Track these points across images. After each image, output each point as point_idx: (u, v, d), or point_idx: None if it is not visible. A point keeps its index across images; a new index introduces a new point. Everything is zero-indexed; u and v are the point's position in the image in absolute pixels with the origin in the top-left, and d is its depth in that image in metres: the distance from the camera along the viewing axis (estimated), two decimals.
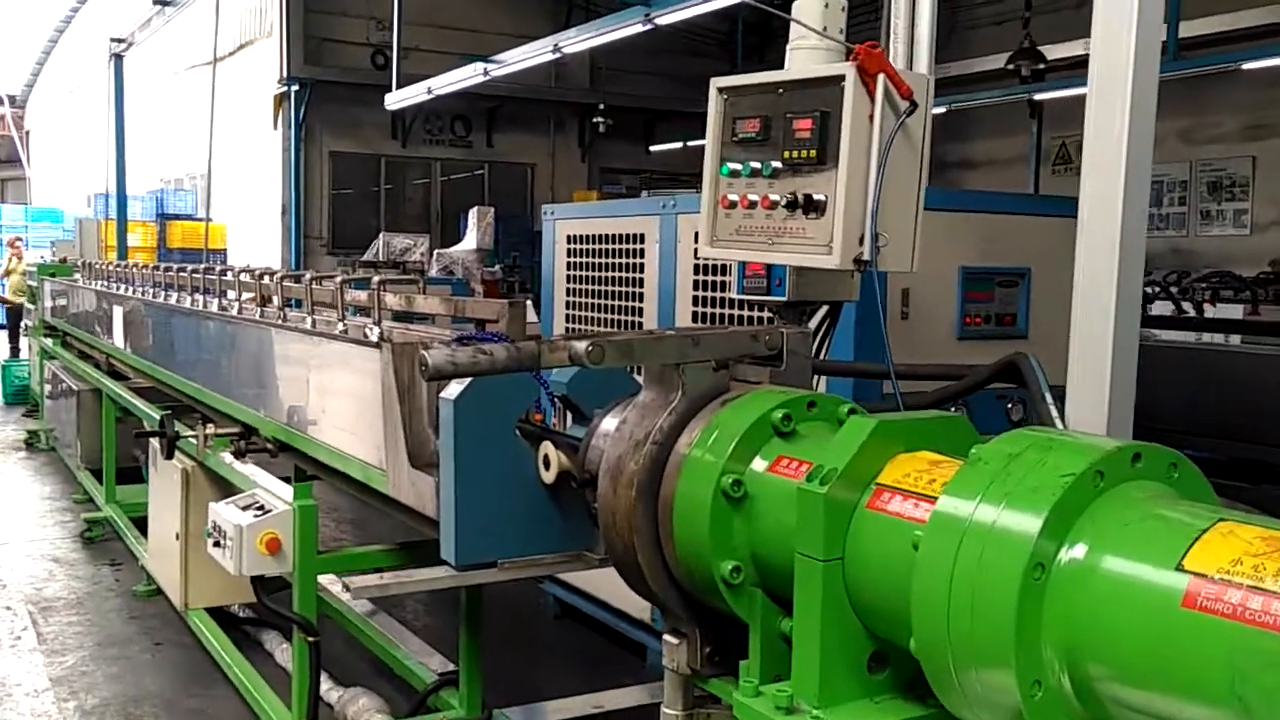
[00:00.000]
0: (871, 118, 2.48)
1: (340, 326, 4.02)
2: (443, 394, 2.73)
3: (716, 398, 2.05)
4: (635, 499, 1.99)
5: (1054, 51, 12.72)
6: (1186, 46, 11.67)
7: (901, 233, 2.57)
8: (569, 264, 5.56)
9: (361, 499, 3.82)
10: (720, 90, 2.83)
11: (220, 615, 5.18)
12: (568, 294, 5.56)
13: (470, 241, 11.16)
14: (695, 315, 4.62)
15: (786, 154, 2.63)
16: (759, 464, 1.89)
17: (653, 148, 20.78)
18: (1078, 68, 14.10)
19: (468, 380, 2.70)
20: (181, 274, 6.35)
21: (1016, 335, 4.21)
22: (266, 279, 5.09)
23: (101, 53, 16.40)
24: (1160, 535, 1.32)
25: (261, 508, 3.63)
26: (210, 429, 4.68)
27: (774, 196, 2.67)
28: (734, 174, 2.78)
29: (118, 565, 6.63)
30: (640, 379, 2.35)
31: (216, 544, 3.67)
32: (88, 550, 7.00)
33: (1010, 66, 13.14)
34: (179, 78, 21.51)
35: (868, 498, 1.67)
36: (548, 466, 2.71)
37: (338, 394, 3.78)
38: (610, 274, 5.23)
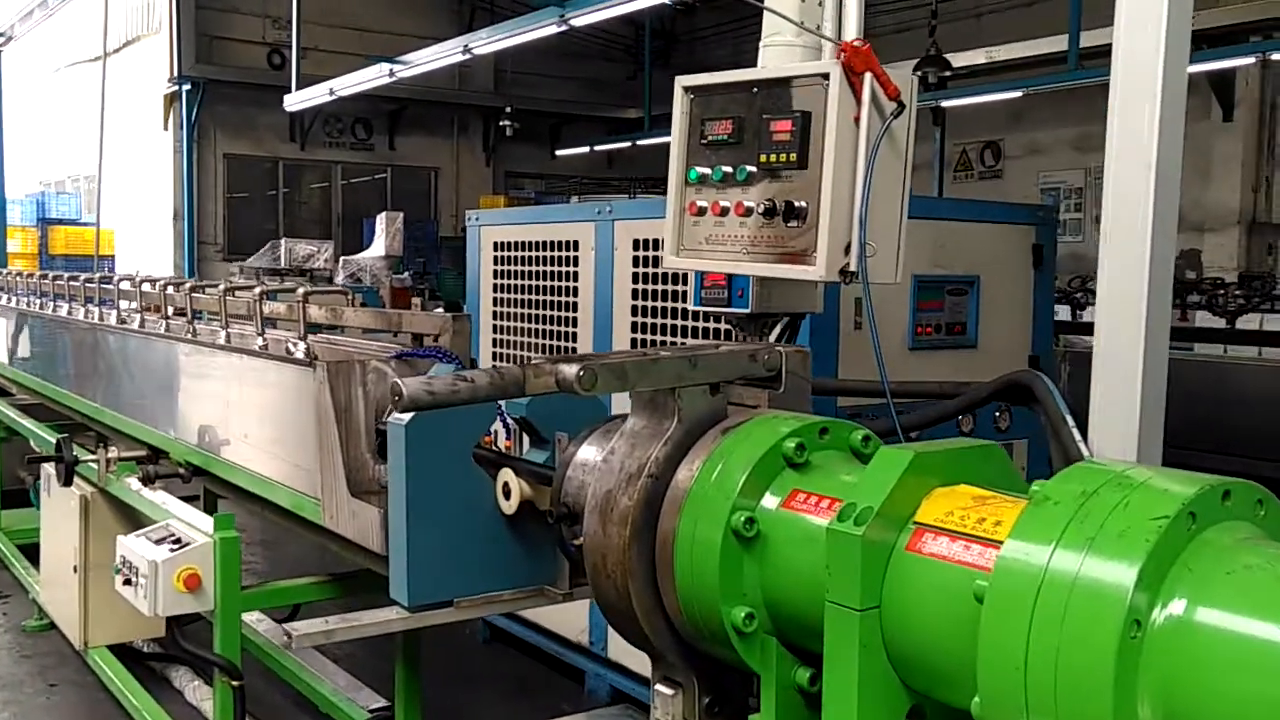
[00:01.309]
0: (858, 120, 2.33)
1: (259, 341, 3.74)
2: (392, 417, 2.49)
3: (715, 424, 1.87)
4: (629, 539, 1.80)
5: (959, 59, 12.90)
6: (1085, 56, 11.93)
7: (886, 242, 2.43)
8: (495, 272, 5.33)
9: (285, 526, 3.54)
10: (686, 89, 2.66)
11: (122, 651, 4.81)
12: (494, 304, 5.32)
13: (378, 248, 10.79)
14: (635, 325, 4.45)
15: (763, 157, 2.47)
16: (770, 499, 1.71)
17: (559, 152, 20.54)
18: (979, 75, 14.36)
19: None
20: (74, 283, 5.93)
21: (966, 344, 4.13)
22: (172, 289, 4.75)
23: None
24: (1268, 585, 1.18)
25: (178, 541, 3.33)
26: (113, 452, 4.32)
27: (749, 203, 2.50)
28: (703, 179, 2.61)
29: (4, 598, 6.15)
30: (603, 401, 2.17)
31: (127, 581, 3.36)
32: None
33: (917, 74, 13.27)
34: (59, 75, 20.53)
35: (906, 539, 1.50)
36: (508, 496, 2.50)
37: (261, 415, 3.50)
38: (541, 283, 5.02)
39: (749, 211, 2.50)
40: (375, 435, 3.02)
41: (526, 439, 2.65)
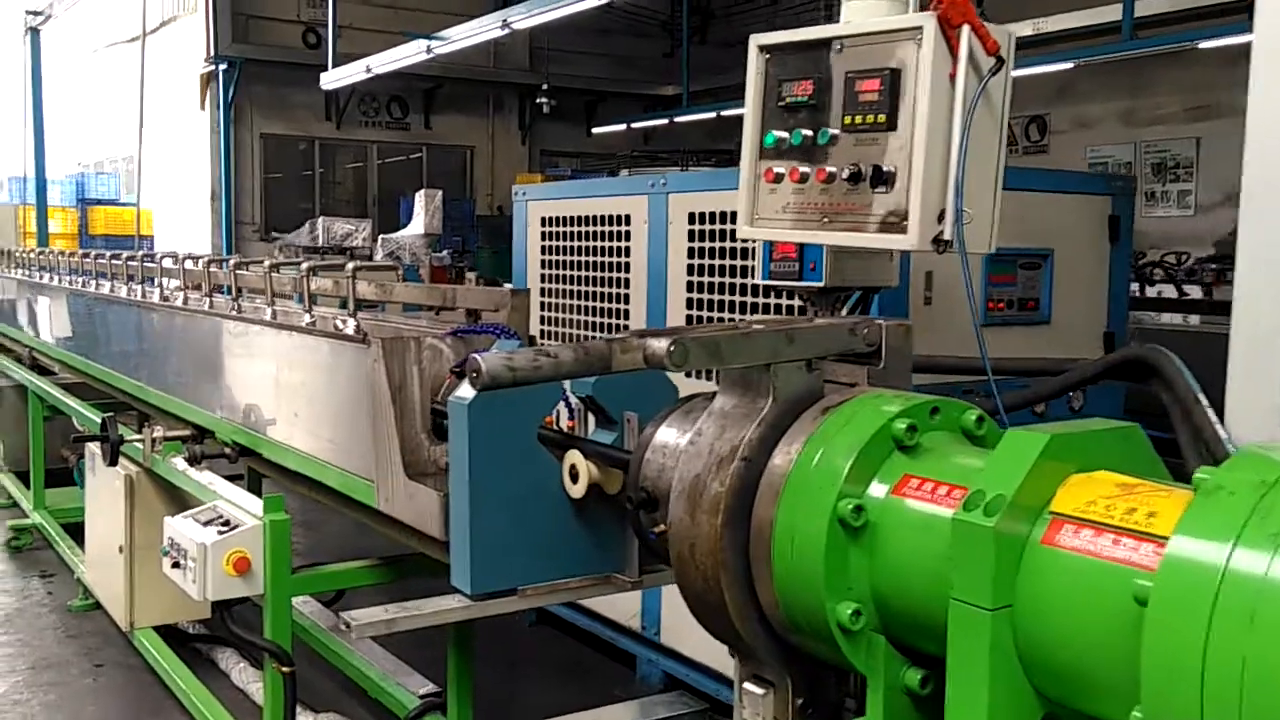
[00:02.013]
0: (953, 76, 2.17)
1: (306, 318, 3.62)
2: (454, 396, 2.37)
3: (813, 403, 1.72)
4: (722, 527, 1.66)
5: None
6: (1138, 26, 11.59)
7: (981, 209, 2.27)
8: (543, 248, 5.19)
9: (329, 506, 3.44)
10: (762, 49, 2.50)
11: (168, 631, 4.74)
12: (543, 281, 5.19)
13: (417, 226, 10.68)
14: (691, 302, 4.30)
15: (847, 119, 2.31)
16: (879, 486, 1.57)
17: (595, 130, 20.36)
18: (1026, 48, 14.01)
19: None
20: (115, 262, 5.86)
21: (1039, 321, 3.95)
22: (216, 267, 4.66)
23: (16, 25, 15.54)
24: None
25: (227, 523, 3.23)
26: (158, 431, 4.24)
27: (830, 168, 2.35)
28: (780, 144, 2.45)
29: (49, 577, 6.12)
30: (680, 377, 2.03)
31: (176, 564, 3.27)
32: (15, 561, 6.47)
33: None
34: (96, 56, 20.57)
35: (1042, 531, 1.36)
36: (575, 479, 2.36)
37: (310, 394, 3.39)
38: (591, 258, 4.88)
39: (831, 177, 2.34)
40: (431, 415, 2.90)
41: (592, 419, 2.52)
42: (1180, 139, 14.88)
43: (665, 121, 18.29)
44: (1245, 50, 1.84)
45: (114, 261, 5.89)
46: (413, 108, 19.18)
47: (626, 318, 4.65)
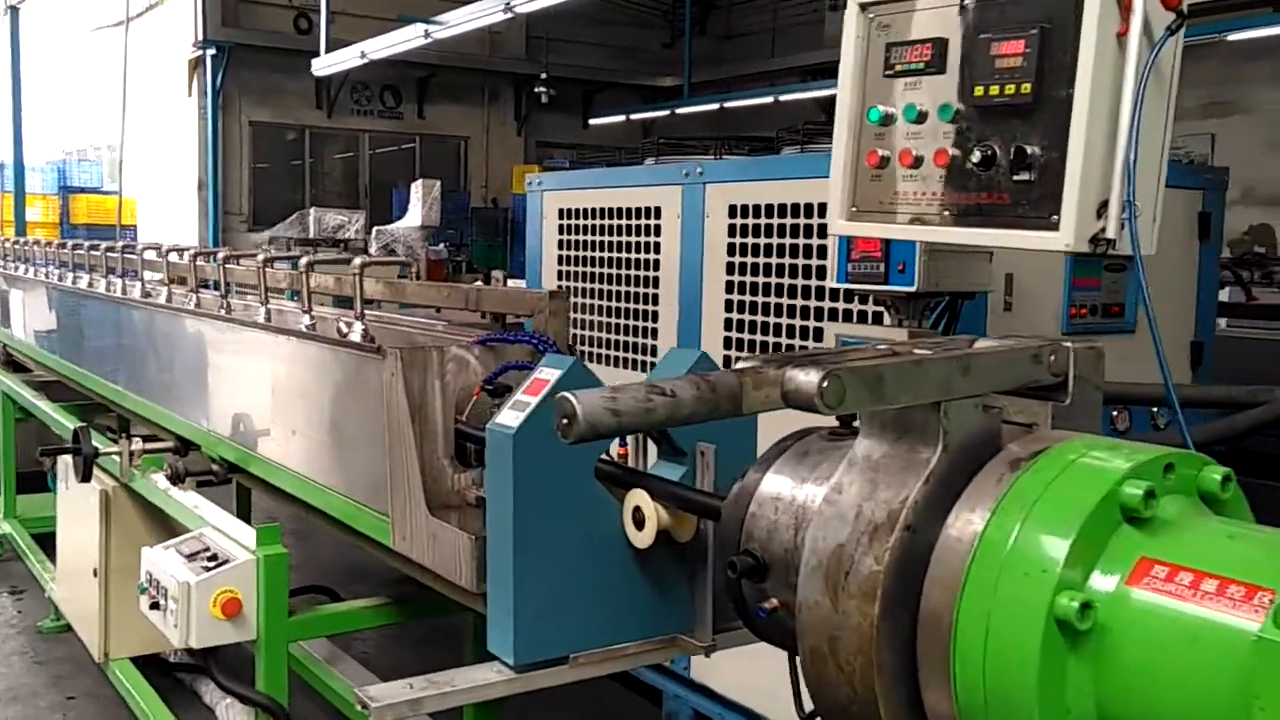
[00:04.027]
0: (1123, 35, 1.76)
1: (305, 320, 3.20)
2: (496, 423, 1.95)
3: (991, 452, 1.31)
4: (879, 618, 1.25)
5: None
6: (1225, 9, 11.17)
7: (1144, 201, 1.86)
8: (561, 243, 4.77)
9: (341, 538, 3.02)
10: (863, 6, 2.07)
11: (148, 659, 4.31)
12: (560, 279, 4.77)
13: (414, 217, 10.24)
14: (731, 304, 3.88)
15: (979, 89, 1.88)
16: (1105, 575, 1.16)
17: (591, 121, 19.92)
18: None
19: (531, 404, 1.92)
20: (95, 253, 5.41)
21: (1124, 329, 3.54)
22: (203, 260, 4.23)
23: None
24: None
25: (214, 557, 2.81)
26: (137, 443, 3.80)
27: (954, 150, 1.93)
28: (888, 120, 2.03)
29: (19, 593, 5.67)
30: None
31: (155, 605, 2.84)
32: None
33: None
34: (80, 40, 20.02)
35: None
36: (641, 524, 1.95)
37: (311, 407, 2.96)
38: (615, 254, 4.46)
39: (955, 161, 1.92)
40: (455, 437, 2.48)
41: (653, 448, 2.10)
42: (1194, 135, 14.54)
43: (666, 113, 17.88)
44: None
45: (93, 253, 5.45)
46: (406, 97, 18.72)
47: (656, 320, 4.23)
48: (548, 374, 1.96)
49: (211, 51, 16.34)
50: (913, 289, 2.49)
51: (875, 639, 1.26)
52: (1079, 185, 1.77)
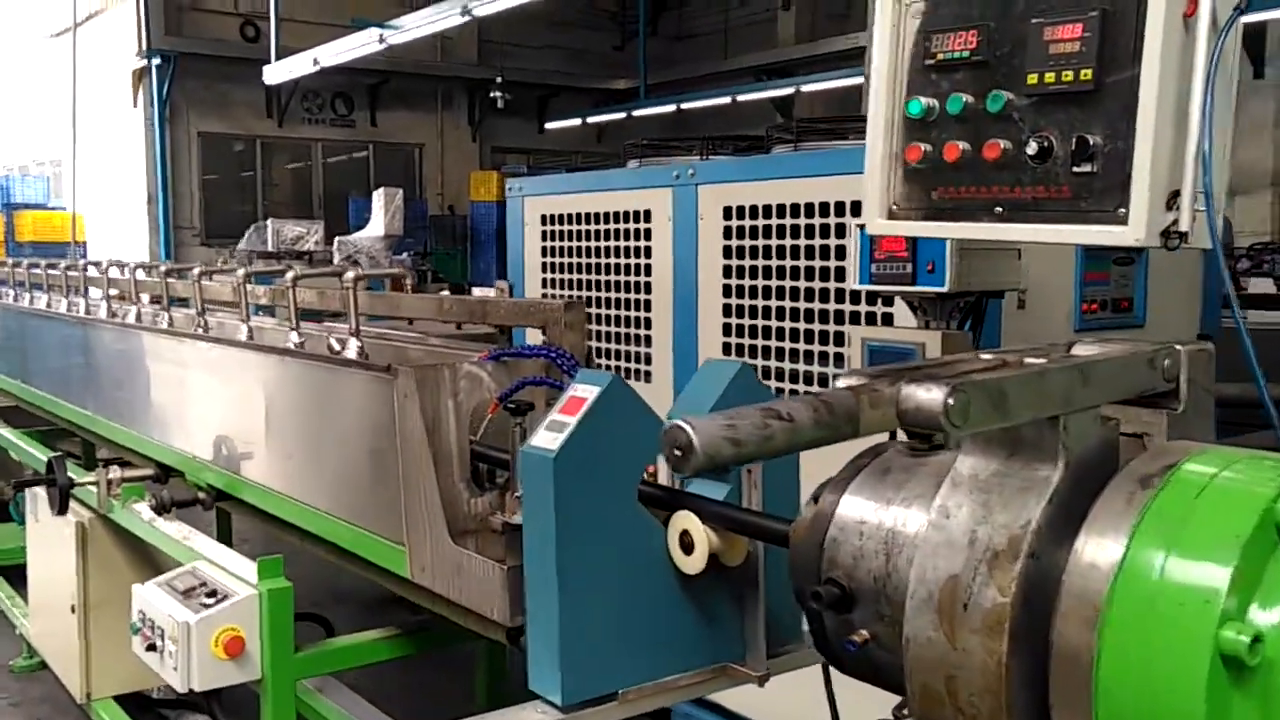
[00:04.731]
0: (1191, 16, 1.68)
1: (294, 338, 3.05)
2: (532, 445, 1.82)
3: (1112, 468, 1.21)
4: (1007, 656, 1.15)
5: None
6: None
7: (1215, 191, 1.78)
8: (544, 250, 4.65)
9: (332, 563, 2.87)
10: None
11: (131, 696, 4.12)
12: (544, 288, 4.64)
13: (376, 227, 10.04)
14: (729, 309, 3.78)
15: (1032, 77, 1.79)
16: (1268, 606, 1.06)
17: (547, 125, 19.75)
18: None
19: (570, 424, 1.80)
20: (53, 271, 5.20)
21: (1132, 324, 3.49)
22: (174, 279, 4.05)
23: None
24: None
25: (213, 593, 2.65)
26: (115, 472, 3.62)
27: (1005, 143, 1.84)
28: (929, 114, 1.94)
29: None
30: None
31: (151, 647, 2.67)
32: None
33: None
34: (16, 53, 19.51)
35: None
36: (689, 549, 1.84)
37: (310, 432, 2.82)
38: (602, 260, 4.34)
39: (1007, 155, 1.83)
40: (470, 459, 2.36)
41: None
42: None
43: (622, 115, 17.77)
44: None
45: (51, 272, 5.24)
46: (358, 104, 18.44)
47: (650, 327, 4.12)
48: (585, 391, 1.84)
49: (156, 61, 15.98)
50: (943, 289, 2.40)
51: (1004, 678, 1.15)
52: (1149, 175, 1.68)
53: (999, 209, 1.88)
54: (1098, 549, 1.14)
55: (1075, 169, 1.76)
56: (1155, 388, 1.31)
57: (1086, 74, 1.74)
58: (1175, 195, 1.70)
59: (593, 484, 1.81)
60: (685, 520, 1.84)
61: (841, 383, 1.13)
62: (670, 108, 16.37)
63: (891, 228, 2.05)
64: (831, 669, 2.10)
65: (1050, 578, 1.17)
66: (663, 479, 2.03)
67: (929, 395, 1.07)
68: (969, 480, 1.25)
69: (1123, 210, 1.72)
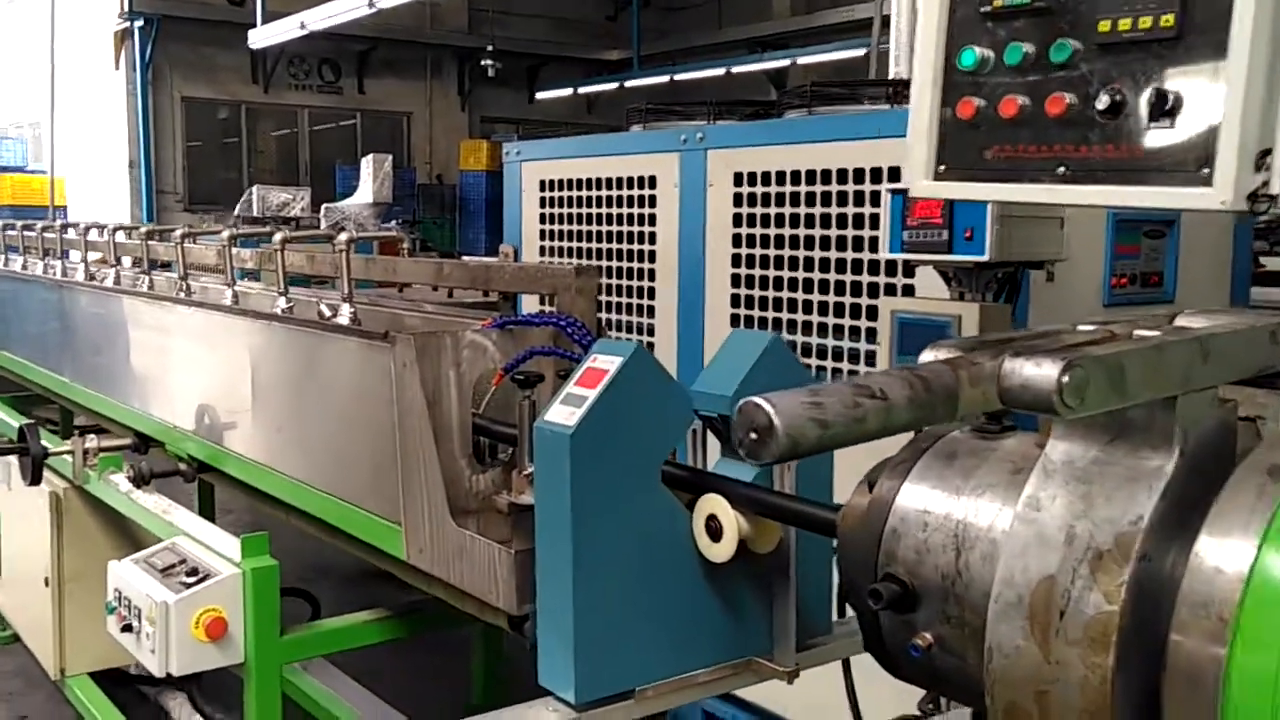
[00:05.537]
0: None
1: (282, 303, 2.88)
2: (546, 420, 1.66)
3: (1230, 456, 1.06)
4: (1115, 671, 0.99)
5: None
6: None
7: None
8: (543, 217, 4.46)
9: (315, 538, 2.71)
10: None
11: (108, 671, 3.95)
12: (542, 255, 4.46)
13: (365, 194, 9.82)
14: (738, 279, 3.61)
15: (1104, 24, 1.62)
16: None
17: (538, 95, 19.47)
18: None
19: (589, 398, 1.64)
20: (29, 233, 5.00)
21: (1162, 300, 3.34)
22: (155, 241, 3.87)
23: None
24: None
25: (193, 571, 2.48)
26: (91, 441, 3.45)
27: (1070, 97, 1.68)
28: (984, 65, 1.77)
29: None
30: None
31: (127, 627, 2.51)
32: None
33: None
34: None
35: None
36: (717, 536, 1.68)
37: (301, 403, 2.65)
38: (604, 228, 4.16)
39: (1073, 109, 1.67)
40: (473, 433, 2.19)
41: (715, 444, 1.84)
42: None
43: (614, 86, 17.52)
44: None
45: (28, 234, 5.03)
46: (345, 71, 18.12)
47: (654, 297, 3.95)
48: (606, 362, 1.68)
49: (139, 23, 15.62)
50: (983, 258, 2.24)
51: (1110, 696, 1.00)
52: (1239, 132, 1.51)
53: (1062, 169, 1.71)
54: (1223, 550, 0.99)
55: (1152, 125, 1.59)
56: (1275, 365, 1.16)
57: (1168, 19, 1.57)
58: (1265, 154, 1.54)
59: (613, 464, 1.65)
60: (713, 504, 1.68)
61: (930, 355, 0.97)
62: (663, 79, 16.13)
63: (938, 189, 1.88)
64: (851, 665, 1.97)
65: (1163, 582, 1.01)
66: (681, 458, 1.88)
67: (1039, 371, 0.91)
68: (1063, 468, 1.10)
69: (1206, 170, 1.55)
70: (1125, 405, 1.00)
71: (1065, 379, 0.91)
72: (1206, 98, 1.56)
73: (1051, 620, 1.04)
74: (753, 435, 0.84)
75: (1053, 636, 1.04)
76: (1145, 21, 1.61)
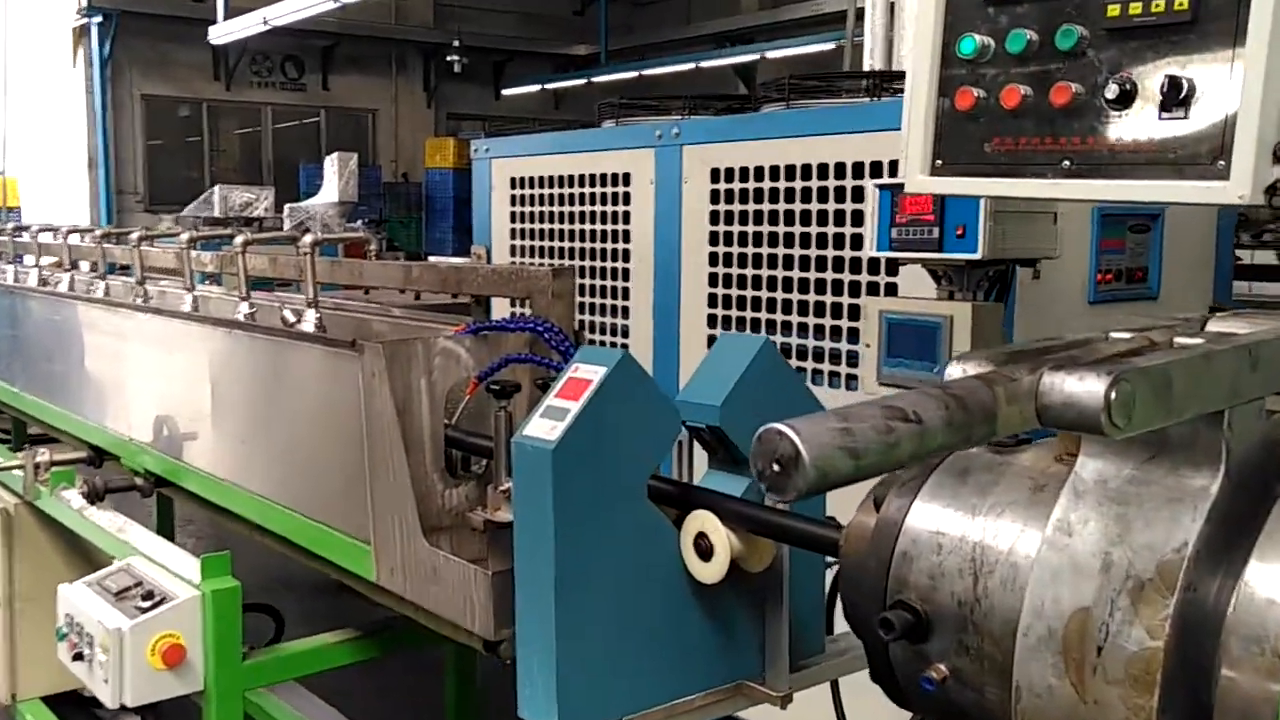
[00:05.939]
0: None
1: (244, 308, 2.75)
2: (525, 435, 1.55)
3: (1277, 471, 0.97)
4: (1159, 714, 0.90)
5: None
6: None
7: None
8: (514, 215, 4.35)
9: (279, 552, 2.59)
10: None
11: (63, 696, 3.80)
12: (513, 255, 4.35)
13: (329, 193, 9.64)
14: (715, 278, 3.52)
15: (1113, 9, 1.55)
16: None
17: (505, 91, 19.29)
18: None
19: (572, 410, 1.54)
20: None
21: (1146, 296, 3.28)
22: (111, 244, 3.72)
23: None
24: None
25: (149, 594, 2.35)
26: (43, 454, 3.30)
27: (1077, 86, 1.59)
28: (983, 53, 1.68)
29: None
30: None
31: (78, 656, 2.38)
32: None
33: None
34: None
35: None
36: (707, 555, 1.58)
37: (263, 413, 2.52)
38: (577, 226, 4.06)
39: (1079, 99, 1.58)
40: (445, 445, 2.08)
41: (703, 456, 1.74)
42: None
43: (582, 82, 17.39)
44: None
45: None
46: (309, 67, 17.86)
47: (628, 298, 3.85)
48: (589, 372, 1.57)
49: (97, 19, 15.31)
50: (975, 256, 2.16)
51: None
52: (1257, 123, 1.43)
53: (1067, 163, 1.62)
54: (1276, 579, 0.90)
55: (1164, 115, 1.51)
56: None
57: (1182, 3, 1.48)
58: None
59: (597, 480, 1.55)
60: (702, 521, 1.58)
61: (959, 368, 0.87)
62: (632, 74, 16.01)
63: (935, 184, 1.78)
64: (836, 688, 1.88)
65: (1209, 614, 0.92)
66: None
67: (1083, 387, 0.82)
68: (1096, 488, 1.00)
69: (1222, 163, 1.47)
70: (1173, 422, 0.91)
71: (1114, 395, 0.81)
72: (1222, 86, 1.47)
73: (1087, 657, 0.95)
74: (775, 467, 0.74)
75: (1089, 675, 0.94)
76: (1158, 5, 1.53)
